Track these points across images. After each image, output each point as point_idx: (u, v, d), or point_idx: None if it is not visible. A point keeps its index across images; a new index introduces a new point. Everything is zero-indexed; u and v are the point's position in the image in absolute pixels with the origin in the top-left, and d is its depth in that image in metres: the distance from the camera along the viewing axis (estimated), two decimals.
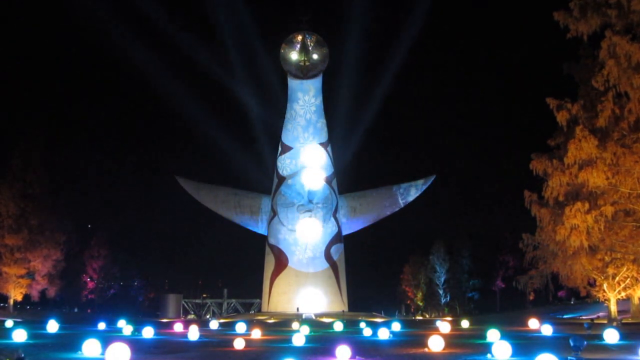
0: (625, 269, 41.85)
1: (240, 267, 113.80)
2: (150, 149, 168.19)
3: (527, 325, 39.20)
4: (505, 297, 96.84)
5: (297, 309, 63.40)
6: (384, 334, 30.83)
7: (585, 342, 19.94)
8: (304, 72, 69.31)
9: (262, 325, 44.10)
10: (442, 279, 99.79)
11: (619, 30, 35.86)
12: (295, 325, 42.87)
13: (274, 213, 70.12)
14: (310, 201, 67.97)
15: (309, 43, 69.99)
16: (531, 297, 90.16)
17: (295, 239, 67.72)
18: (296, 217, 67.61)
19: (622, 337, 26.08)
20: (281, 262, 68.43)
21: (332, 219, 69.55)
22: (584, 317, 53.86)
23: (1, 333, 30.52)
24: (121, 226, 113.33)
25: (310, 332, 35.79)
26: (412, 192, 73.91)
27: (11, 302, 61.73)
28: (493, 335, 26.79)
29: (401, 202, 73.80)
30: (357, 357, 20.09)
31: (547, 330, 32.49)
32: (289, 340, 26.57)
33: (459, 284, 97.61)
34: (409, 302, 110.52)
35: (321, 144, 70.84)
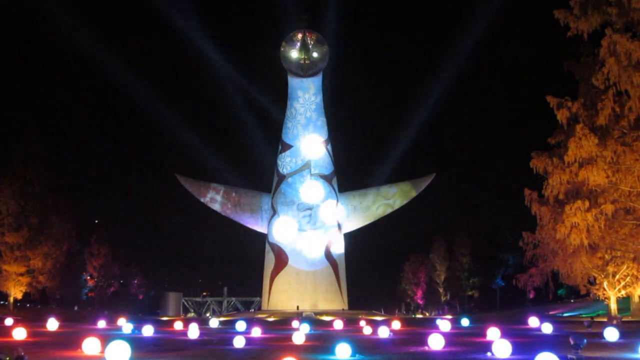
0: (625, 267, 41.84)
1: (240, 266, 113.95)
2: (151, 147, 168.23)
3: (527, 324, 39.20)
4: (505, 296, 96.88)
5: (297, 307, 63.47)
6: (384, 332, 30.82)
7: (586, 340, 19.94)
8: (304, 70, 69.25)
9: (262, 323, 44.09)
10: (442, 277, 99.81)
11: (620, 29, 35.84)
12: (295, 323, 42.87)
13: (274, 211, 70.10)
14: None
15: (309, 41, 69.94)
16: (531, 296, 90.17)
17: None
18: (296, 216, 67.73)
19: (622, 335, 26.07)
20: (281, 260, 68.44)
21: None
22: (584, 316, 53.87)
23: (1, 331, 30.51)
24: (121, 224, 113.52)
25: (310, 330, 35.79)
26: (412, 190, 73.89)
27: (11, 300, 61.68)
28: (493, 333, 26.78)
29: (401, 201, 73.77)
30: (356, 355, 20.08)
31: (547, 328, 32.48)
32: (289, 339, 26.57)
33: (459, 282, 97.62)
34: (409, 300, 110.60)
35: (322, 142, 70.78)
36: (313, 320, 50.78)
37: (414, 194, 73.87)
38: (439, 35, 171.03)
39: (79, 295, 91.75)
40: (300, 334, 26.65)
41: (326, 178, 69.75)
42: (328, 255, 68.36)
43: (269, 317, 57.78)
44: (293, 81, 70.90)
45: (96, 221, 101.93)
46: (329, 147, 71.81)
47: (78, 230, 79.80)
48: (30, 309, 68.00)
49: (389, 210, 73.95)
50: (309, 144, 68.88)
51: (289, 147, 70.39)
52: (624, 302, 48.39)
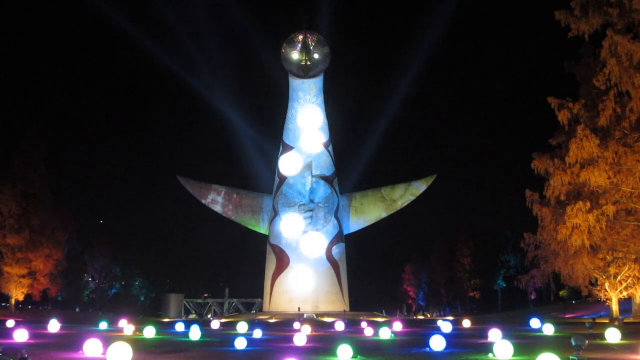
0: (627, 268, 41.82)
1: (241, 267, 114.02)
2: (152, 148, 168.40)
3: (528, 325, 39.17)
4: (507, 297, 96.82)
5: (299, 309, 63.45)
6: (385, 334, 30.81)
7: (587, 342, 19.92)
8: (305, 71, 69.25)
9: (264, 325, 44.09)
10: (444, 279, 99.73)
11: (621, 30, 35.89)
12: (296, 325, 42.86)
13: (275, 213, 70.10)
14: (311, 200, 68.01)
15: (310, 42, 69.94)
16: (533, 297, 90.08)
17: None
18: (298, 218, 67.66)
19: (623, 337, 26.04)
20: (283, 262, 68.43)
21: (334, 219, 69.52)
22: (585, 317, 53.81)
23: (3, 333, 30.54)
24: (123, 226, 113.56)
25: (312, 331, 35.78)
26: (414, 191, 73.83)
27: (13, 302, 61.79)
28: (495, 334, 26.76)
29: (403, 202, 73.71)
30: (358, 357, 20.08)
31: (548, 330, 32.45)
32: (291, 340, 26.57)
33: (461, 283, 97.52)
34: (410, 301, 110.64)
35: (322, 143, 70.77)
36: (315, 321, 50.77)
37: (416, 195, 73.81)
38: (440, 35, 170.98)
39: (80, 297, 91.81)
40: (301, 335, 26.65)
41: (327, 179, 69.72)
42: (329, 256, 68.34)
43: (271, 318, 57.77)
44: (294, 82, 70.90)
45: (101, 222, 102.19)
46: (330, 148, 71.81)
47: (79, 232, 79.91)
48: (32, 311, 68.04)
49: (391, 212, 73.92)
50: (309, 140, 68.57)
51: (290, 148, 70.37)
52: (626, 304, 48.34)
